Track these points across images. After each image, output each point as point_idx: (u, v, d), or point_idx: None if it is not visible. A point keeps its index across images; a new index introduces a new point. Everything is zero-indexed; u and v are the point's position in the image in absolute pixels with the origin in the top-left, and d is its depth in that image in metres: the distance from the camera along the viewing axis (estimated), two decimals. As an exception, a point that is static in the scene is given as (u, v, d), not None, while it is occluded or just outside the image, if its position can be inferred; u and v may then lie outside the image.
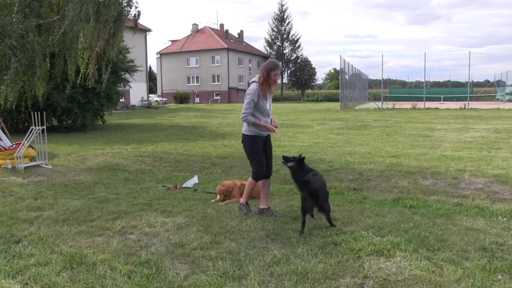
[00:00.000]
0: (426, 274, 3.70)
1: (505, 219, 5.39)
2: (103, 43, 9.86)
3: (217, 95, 66.27)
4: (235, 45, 71.22)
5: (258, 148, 5.54)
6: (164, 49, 71.70)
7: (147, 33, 46.13)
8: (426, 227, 4.98)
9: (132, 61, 20.98)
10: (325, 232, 4.78)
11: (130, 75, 21.15)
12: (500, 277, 3.67)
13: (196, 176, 8.16)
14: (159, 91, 69.12)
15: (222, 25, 74.70)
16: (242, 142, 5.65)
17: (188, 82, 69.02)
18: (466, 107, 33.80)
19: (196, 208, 5.92)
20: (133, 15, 10.73)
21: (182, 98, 59.41)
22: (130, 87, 22.58)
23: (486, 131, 15.91)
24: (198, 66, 68.42)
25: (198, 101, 65.03)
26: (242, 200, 5.73)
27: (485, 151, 10.88)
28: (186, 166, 9.60)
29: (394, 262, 3.96)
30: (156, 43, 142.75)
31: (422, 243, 4.42)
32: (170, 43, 73.71)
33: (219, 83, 67.35)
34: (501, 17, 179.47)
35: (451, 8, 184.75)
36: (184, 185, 7.52)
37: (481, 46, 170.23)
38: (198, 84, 68.32)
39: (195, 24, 73.38)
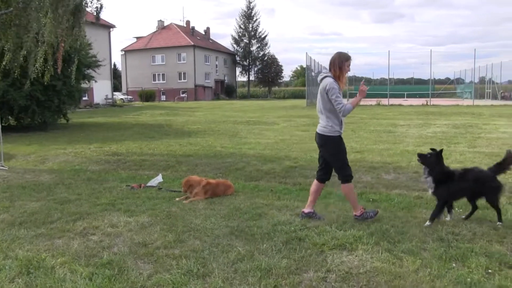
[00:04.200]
0: (386, 265, 3.80)
1: (461, 210, 5.56)
2: (62, 36, 9.57)
3: (183, 92, 65.66)
4: (201, 42, 70.77)
5: (344, 147, 5.11)
6: (128, 46, 70.57)
7: (111, 29, 45.32)
8: (387, 220, 5.10)
9: (94, 56, 20.54)
10: (289, 227, 4.81)
11: (94, 70, 20.73)
12: (454, 265, 3.82)
13: (160, 174, 8.07)
14: (124, 89, 67.98)
15: (188, 22, 74.10)
16: (321, 146, 5.17)
17: (154, 80, 68.19)
18: (428, 103, 34.66)
19: (160, 207, 5.87)
20: (94, 7, 10.49)
21: (147, 96, 58.64)
22: (96, 81, 22.08)
23: (446, 127, 16.40)
24: (164, 63, 67.66)
25: (164, 99, 64.30)
26: (356, 212, 5.11)
27: (445, 145, 11.20)
28: (151, 164, 9.50)
29: (356, 255, 4.04)
30: (120, 39, 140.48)
31: (383, 236, 4.53)
32: (135, 40, 72.56)
33: (185, 80, 66.78)
34: (460, 17, 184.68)
35: (414, 8, 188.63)
36: (149, 184, 7.43)
37: (441, 45, 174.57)
38: (164, 81, 67.55)
39: (160, 20, 72.54)
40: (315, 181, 5.37)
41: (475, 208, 5.23)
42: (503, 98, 47.01)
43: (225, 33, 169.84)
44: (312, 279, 3.59)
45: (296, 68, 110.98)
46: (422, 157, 5.16)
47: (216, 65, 73.41)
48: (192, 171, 8.65)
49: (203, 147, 11.61)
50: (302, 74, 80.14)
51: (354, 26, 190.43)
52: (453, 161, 8.81)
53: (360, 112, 25.38)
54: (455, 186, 5.00)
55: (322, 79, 5.10)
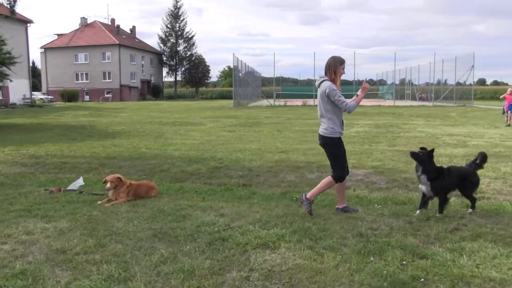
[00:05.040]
0: (308, 262, 3.89)
1: (380, 206, 5.83)
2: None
3: (108, 92, 63.80)
4: (127, 41, 69.07)
5: (343, 150, 5.47)
6: (49, 43, 67.36)
7: (28, 24, 42.92)
8: (310, 218, 5.22)
9: (9, 52, 19.38)
10: (213, 228, 4.80)
11: (8, 68, 19.55)
12: (372, 258, 3.99)
13: (81, 177, 7.75)
14: (44, 89, 64.88)
15: (113, 20, 72.07)
16: (324, 145, 5.49)
17: (77, 79, 65.64)
18: (352, 103, 35.96)
19: (81, 211, 5.63)
20: (7, 0, 9.87)
21: (70, 96, 56.31)
22: (11, 80, 20.82)
23: (368, 126, 17.16)
24: (87, 62, 65.33)
25: (88, 99, 62.12)
26: (309, 197, 5.41)
27: (367, 145, 11.71)
28: (72, 167, 9.11)
29: (279, 254, 4.11)
30: (39, 36, 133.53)
31: (305, 233, 4.64)
32: (55, 37, 69.42)
33: (110, 80, 64.92)
34: (381, 22, 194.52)
35: (339, 10, 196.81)
36: (69, 188, 7.11)
37: (366, 47, 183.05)
38: (88, 81, 65.26)
39: (83, 17, 70.01)
40: None
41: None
42: (420, 99, 50.16)
43: (151, 32, 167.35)
44: (235, 278, 3.61)
45: (224, 68, 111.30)
46: (414, 155, 5.50)
47: (142, 64, 71.97)
48: (116, 173, 8.40)
49: (128, 149, 11.34)
50: (229, 74, 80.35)
51: (281, 27, 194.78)
52: (374, 160, 9.23)
53: (287, 113, 25.91)
54: (446, 181, 5.40)
55: (320, 83, 5.37)
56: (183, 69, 77.54)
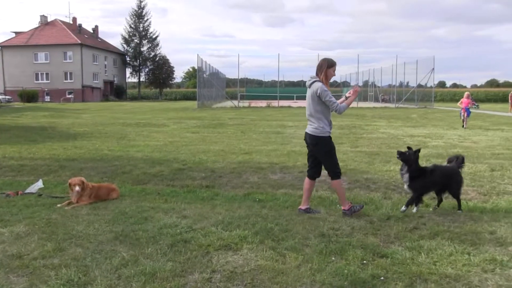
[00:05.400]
0: (270, 263, 3.90)
1: (342, 206, 5.89)
2: None
3: (70, 93, 62.40)
4: (89, 40, 67.74)
5: (333, 146, 5.57)
6: (6, 41, 65.35)
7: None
8: (272, 219, 5.24)
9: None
10: (175, 230, 4.76)
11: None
12: (333, 258, 4.03)
13: (40, 180, 7.54)
14: (1, 88, 62.80)
15: (74, 19, 70.63)
16: (314, 146, 5.54)
17: (37, 79, 63.89)
18: (316, 105, 36.47)
19: (39, 214, 5.47)
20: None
21: (29, 96, 54.75)
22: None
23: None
24: (48, 62, 63.72)
25: (49, 100, 60.51)
26: (345, 206, 5.53)
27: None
28: (30, 170, 8.86)
29: (241, 255, 4.10)
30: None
31: (268, 234, 4.65)
32: (13, 34, 67.35)
33: (72, 80, 63.54)
34: (345, 24, 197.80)
35: (304, 13, 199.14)
36: (27, 191, 6.90)
37: (330, 50, 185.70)
38: (48, 81, 63.63)
39: (43, 15, 68.36)
40: (306, 179, 5.75)
41: (440, 200, 5.94)
42: (383, 100, 51.27)
43: (114, 32, 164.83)
44: (197, 280, 3.58)
45: (188, 69, 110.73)
46: (401, 154, 5.65)
47: (105, 65, 70.76)
48: (77, 176, 8.21)
49: (89, 150, 11.13)
50: (194, 75, 79.96)
51: (246, 29, 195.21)
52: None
53: (251, 114, 25.97)
54: (427, 181, 5.60)
55: (311, 83, 5.48)
56: (146, 69, 76.74)
